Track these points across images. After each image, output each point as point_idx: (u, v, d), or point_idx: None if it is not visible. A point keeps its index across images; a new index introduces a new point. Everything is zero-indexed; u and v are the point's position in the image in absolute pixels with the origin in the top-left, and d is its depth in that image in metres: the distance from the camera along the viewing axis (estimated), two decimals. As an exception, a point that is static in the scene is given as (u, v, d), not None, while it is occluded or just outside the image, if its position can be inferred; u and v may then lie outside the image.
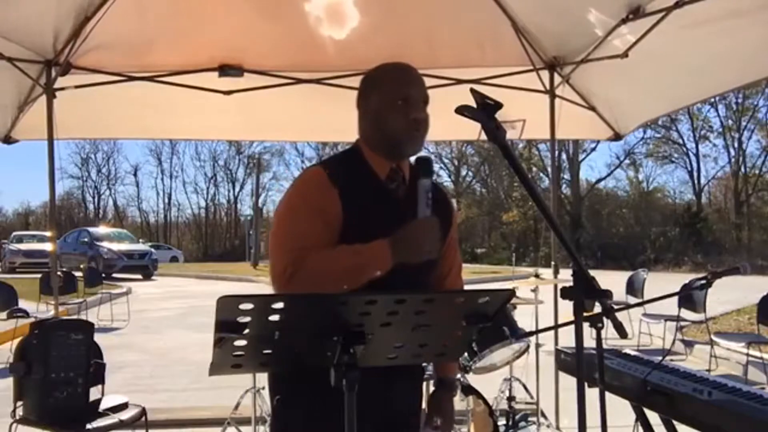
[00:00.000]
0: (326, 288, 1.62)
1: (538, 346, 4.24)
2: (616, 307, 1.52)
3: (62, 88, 4.13)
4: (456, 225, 1.99)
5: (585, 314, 1.43)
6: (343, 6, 4.02)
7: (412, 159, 1.78)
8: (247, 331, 1.27)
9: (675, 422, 2.30)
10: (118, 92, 4.38)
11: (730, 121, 31.20)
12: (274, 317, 1.27)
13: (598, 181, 35.23)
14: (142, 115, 4.89)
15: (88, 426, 3.25)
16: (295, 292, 1.64)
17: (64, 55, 4.00)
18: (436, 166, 39.12)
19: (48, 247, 16.34)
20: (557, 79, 4.42)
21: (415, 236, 1.61)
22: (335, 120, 5.01)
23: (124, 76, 4.25)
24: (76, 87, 4.16)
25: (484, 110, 1.37)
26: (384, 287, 1.58)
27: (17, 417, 3.33)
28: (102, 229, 25.97)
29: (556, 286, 4.17)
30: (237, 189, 44.06)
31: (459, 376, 3.44)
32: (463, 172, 40.01)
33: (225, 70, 4.31)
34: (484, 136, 1.41)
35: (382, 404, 1.71)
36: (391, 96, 1.75)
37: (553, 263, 4.59)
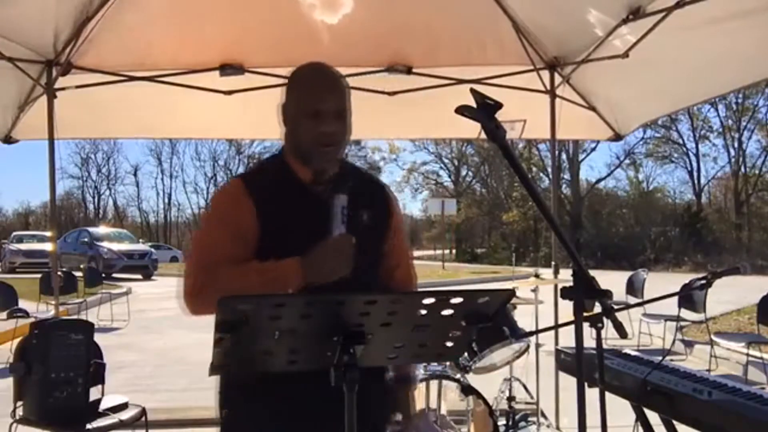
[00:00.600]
0: None
1: (538, 346, 4.24)
2: (616, 307, 1.52)
3: (63, 88, 4.13)
4: (399, 216, 1.93)
5: (585, 314, 1.43)
6: (344, 5, 4.02)
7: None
8: (247, 331, 1.27)
9: (675, 422, 2.30)
10: (119, 91, 4.38)
11: (730, 121, 31.22)
12: (274, 317, 1.27)
13: (598, 181, 35.27)
14: (142, 114, 4.88)
15: (88, 426, 3.25)
16: (200, 308, 1.65)
17: (65, 55, 4.00)
18: (436, 166, 39.30)
19: (48, 247, 16.34)
20: (558, 79, 4.42)
21: (326, 257, 1.57)
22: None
23: (125, 76, 4.25)
24: (77, 87, 4.16)
25: (484, 110, 1.37)
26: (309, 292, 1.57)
27: (17, 417, 3.33)
28: (102, 229, 25.96)
29: (556, 286, 4.17)
30: (237, 189, 43.90)
31: (459, 376, 3.44)
32: (463, 172, 40.04)
33: (225, 69, 4.31)
34: (484, 135, 1.41)
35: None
36: (303, 107, 1.71)
37: (553, 263, 4.58)
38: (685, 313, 6.80)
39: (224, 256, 1.66)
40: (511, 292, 1.47)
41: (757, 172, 31.04)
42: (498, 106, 1.37)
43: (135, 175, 45.10)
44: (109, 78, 4.23)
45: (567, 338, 2.17)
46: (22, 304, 8.09)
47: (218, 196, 1.82)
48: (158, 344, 8.85)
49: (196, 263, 1.69)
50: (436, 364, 3.43)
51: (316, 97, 1.71)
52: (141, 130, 5.47)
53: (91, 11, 3.74)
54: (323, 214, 1.61)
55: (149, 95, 4.49)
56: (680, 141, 33.18)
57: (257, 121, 5.21)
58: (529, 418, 4.23)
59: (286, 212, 1.69)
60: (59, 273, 5.55)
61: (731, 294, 10.09)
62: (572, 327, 1.43)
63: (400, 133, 5.81)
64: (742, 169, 31.62)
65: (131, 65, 4.23)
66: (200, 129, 5.47)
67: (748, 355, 5.92)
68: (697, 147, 32.59)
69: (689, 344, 7.55)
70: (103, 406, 3.52)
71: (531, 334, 3.31)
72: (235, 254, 1.66)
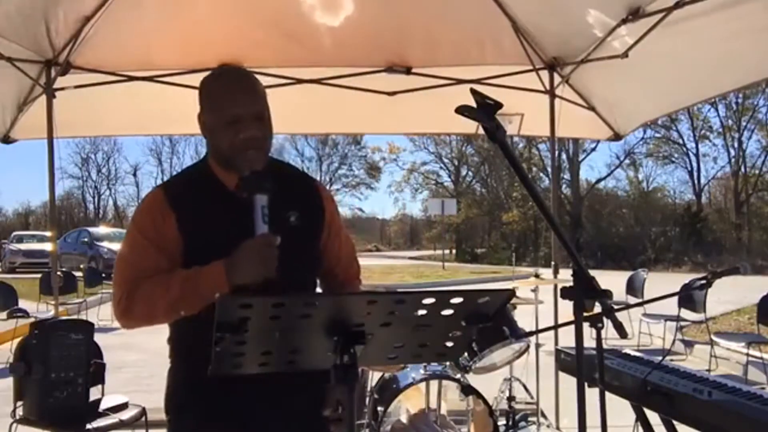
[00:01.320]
0: (159, 317, 1.65)
1: (538, 346, 4.24)
2: (616, 307, 1.52)
3: (62, 88, 4.13)
4: (334, 213, 1.88)
5: (585, 314, 1.43)
6: (344, 5, 4.02)
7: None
8: (247, 331, 1.26)
9: (675, 422, 2.31)
10: (118, 89, 4.38)
11: (730, 121, 31.19)
12: (274, 317, 1.27)
13: (598, 181, 35.24)
14: (141, 110, 4.88)
15: (88, 426, 3.25)
16: (130, 322, 1.67)
17: (64, 55, 4.00)
18: (436, 166, 39.28)
19: (48, 247, 16.32)
20: (557, 79, 4.42)
21: (247, 258, 1.54)
22: (334, 112, 5.02)
23: (124, 76, 4.25)
24: (76, 87, 4.16)
25: (484, 110, 1.37)
26: None
27: (17, 417, 3.33)
28: (102, 229, 25.92)
29: (556, 286, 4.17)
30: (237, 189, 43.95)
31: (459, 376, 3.44)
32: (463, 172, 40.01)
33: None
34: (482, 131, 1.41)
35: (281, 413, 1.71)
36: (219, 116, 1.67)
37: (553, 263, 4.59)
38: (685, 313, 6.80)
39: (147, 270, 1.65)
40: (511, 292, 1.46)
41: (757, 172, 31.01)
42: (498, 106, 1.37)
43: (135, 175, 45.06)
44: (108, 78, 4.23)
45: (567, 338, 2.17)
46: (22, 304, 8.10)
47: (139, 212, 1.77)
48: (158, 344, 8.77)
49: (120, 279, 1.68)
50: (436, 364, 3.43)
51: (231, 103, 1.66)
52: (140, 127, 5.47)
53: (90, 11, 3.75)
54: (248, 220, 1.57)
55: (148, 92, 4.49)
56: (680, 141, 33.17)
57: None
58: (529, 418, 4.23)
59: (209, 220, 1.66)
60: (59, 273, 5.55)
61: (731, 294, 10.08)
62: (572, 327, 1.43)
63: (399, 128, 5.78)
64: (742, 169, 31.60)
65: (130, 65, 4.23)
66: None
67: (748, 355, 5.92)
68: (697, 147, 32.58)
69: (689, 344, 7.55)
70: (103, 406, 3.52)
71: (531, 334, 3.31)
72: (158, 267, 1.65)
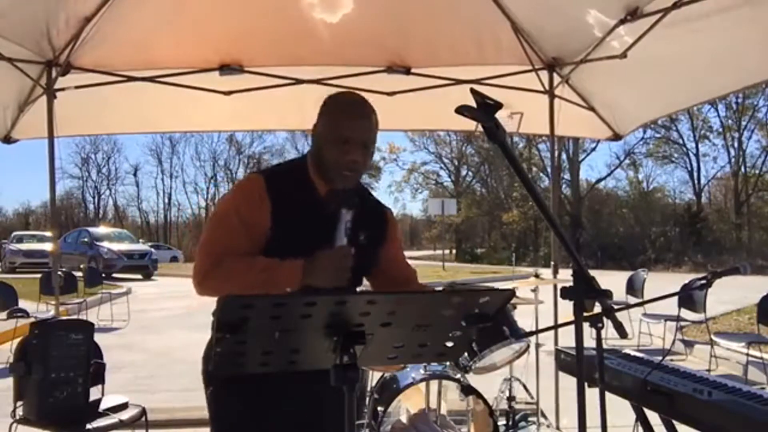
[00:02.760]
0: (235, 290, 1.68)
1: (538, 346, 4.24)
2: (616, 307, 1.53)
3: (62, 89, 4.13)
4: (397, 239, 2.09)
5: (585, 314, 1.43)
6: (344, 5, 4.02)
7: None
8: (247, 331, 1.27)
9: (675, 422, 2.31)
10: (118, 88, 4.38)
11: (730, 121, 31.23)
12: (275, 317, 1.27)
13: (598, 181, 35.29)
14: (142, 109, 4.88)
15: (88, 426, 3.25)
16: (207, 290, 1.75)
17: (64, 56, 4.00)
18: (436, 166, 39.31)
19: (48, 247, 16.31)
20: (556, 79, 4.42)
21: (326, 264, 1.67)
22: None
23: (124, 76, 4.25)
24: (77, 87, 4.16)
25: (484, 110, 1.37)
26: None
27: (17, 417, 3.33)
28: (102, 229, 25.94)
29: (556, 286, 4.17)
30: (237, 189, 43.97)
31: (459, 376, 3.44)
32: (463, 172, 40.05)
33: (225, 69, 4.31)
34: (480, 128, 1.41)
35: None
36: (334, 131, 1.81)
37: (553, 263, 4.59)
38: (685, 313, 6.80)
39: (234, 248, 1.75)
40: (511, 292, 1.47)
41: (757, 172, 31.05)
42: (498, 105, 1.37)
43: (135, 175, 45.16)
44: (108, 78, 4.23)
45: (567, 338, 2.17)
46: (22, 304, 8.09)
47: (239, 187, 1.90)
48: (158, 344, 8.84)
49: (207, 249, 1.79)
50: (436, 364, 3.43)
51: (349, 127, 1.80)
52: (141, 125, 5.47)
53: (90, 11, 3.75)
54: (330, 228, 1.70)
55: (149, 91, 4.49)
56: (680, 141, 33.22)
57: (256, 112, 5.20)
58: (529, 418, 4.23)
59: (299, 218, 1.78)
60: (59, 273, 5.55)
61: (731, 294, 10.09)
62: (572, 327, 1.43)
63: (398, 125, 5.82)
64: (742, 169, 31.63)
65: (130, 65, 4.23)
66: (199, 121, 5.46)
67: (748, 355, 5.91)
68: (697, 147, 32.63)
69: (689, 344, 7.55)
70: (103, 406, 3.52)
71: (531, 334, 3.30)
72: (244, 246, 1.76)
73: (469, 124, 4.15)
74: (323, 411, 1.79)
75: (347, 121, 1.81)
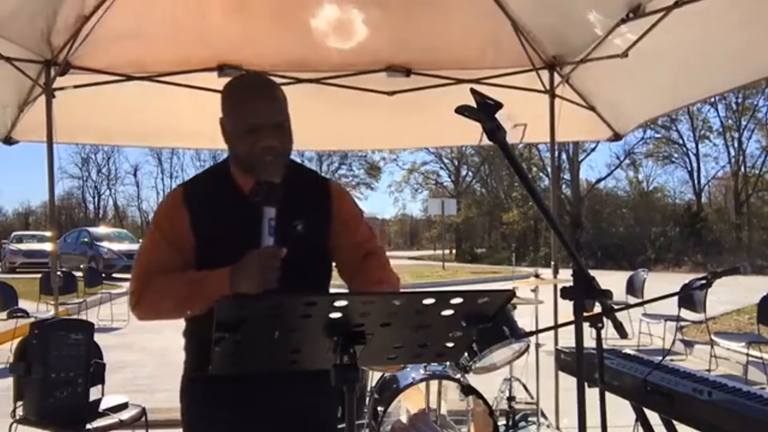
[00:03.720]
0: (167, 313, 1.71)
1: (538, 346, 4.24)
2: (616, 307, 1.52)
3: (61, 88, 4.13)
4: (343, 208, 1.87)
5: (585, 314, 1.42)
6: (343, 7, 4.02)
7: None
8: (247, 331, 1.26)
9: (675, 422, 2.30)
10: (118, 97, 4.39)
11: (730, 121, 31.19)
12: (274, 317, 1.27)
13: (598, 181, 35.24)
14: (142, 123, 4.91)
15: (88, 426, 3.25)
16: (142, 315, 1.73)
17: (63, 55, 4.00)
18: (436, 166, 39.27)
19: (48, 247, 16.27)
20: (557, 78, 4.42)
21: (250, 268, 1.56)
22: (333, 128, 5.03)
23: (123, 75, 4.25)
24: (75, 87, 4.16)
25: (485, 110, 1.37)
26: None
27: (17, 417, 3.33)
28: (102, 229, 25.91)
29: (556, 286, 4.17)
30: (237, 189, 44.03)
31: (459, 376, 3.44)
32: (463, 172, 39.99)
33: (224, 69, 4.30)
34: (484, 140, 1.41)
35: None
36: (238, 124, 1.69)
37: (553, 263, 4.58)
38: (685, 313, 6.80)
39: (162, 265, 1.71)
40: (511, 293, 1.46)
41: (757, 172, 31.01)
42: (498, 105, 1.37)
43: (135, 175, 45.06)
44: (107, 78, 4.22)
45: (567, 338, 2.17)
46: (22, 304, 8.09)
47: (159, 209, 1.84)
48: (158, 344, 8.83)
49: (136, 272, 1.76)
50: (436, 364, 3.43)
51: (251, 113, 1.68)
52: (140, 137, 5.48)
53: (88, 11, 3.75)
54: (258, 226, 1.58)
55: (148, 100, 4.50)
56: (680, 141, 33.18)
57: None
58: (529, 418, 4.23)
59: (222, 222, 1.70)
60: (59, 273, 5.55)
61: (731, 294, 10.09)
62: (572, 327, 1.43)
63: (400, 143, 5.77)
64: (742, 169, 31.60)
65: (130, 65, 4.23)
66: (200, 138, 5.48)
67: (748, 355, 5.91)
68: (697, 147, 32.58)
69: (689, 344, 7.55)
70: (103, 406, 3.52)
71: (531, 334, 3.31)
72: (173, 263, 1.71)
73: (472, 137, 4.17)
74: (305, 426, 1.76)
75: (250, 106, 1.68)
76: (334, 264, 1.90)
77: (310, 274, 1.73)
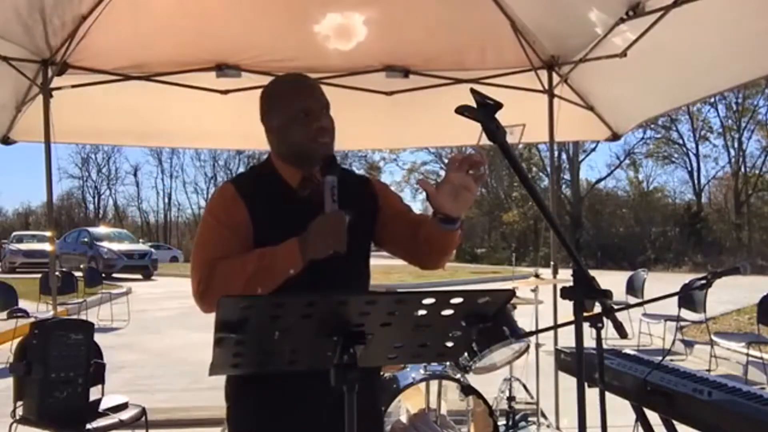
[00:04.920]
0: (237, 291, 1.66)
1: (538, 346, 4.24)
2: (616, 307, 1.52)
3: (59, 88, 4.12)
4: (390, 195, 1.97)
5: (585, 314, 1.42)
6: (342, 8, 4.02)
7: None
8: (247, 331, 1.26)
9: (675, 422, 2.30)
10: (116, 96, 4.38)
11: (730, 121, 31.22)
12: (274, 317, 1.26)
13: (598, 181, 35.27)
14: (141, 123, 4.92)
15: (88, 426, 3.25)
16: (210, 303, 1.68)
17: (61, 55, 4.00)
18: (436, 166, 39.27)
19: (48, 247, 16.22)
20: (555, 78, 4.42)
21: (320, 231, 1.63)
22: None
23: (121, 75, 4.25)
24: (73, 86, 4.16)
25: (484, 110, 1.37)
26: (308, 283, 1.61)
27: (17, 417, 3.33)
28: (102, 229, 25.94)
29: (556, 286, 4.17)
30: (237, 189, 44.07)
31: (459, 376, 3.44)
32: (463, 172, 39.95)
33: (222, 69, 4.30)
34: (484, 140, 1.41)
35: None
36: (291, 111, 1.78)
37: (552, 263, 4.58)
38: (685, 313, 6.80)
39: (224, 252, 1.72)
40: (511, 292, 1.46)
41: (757, 172, 31.03)
42: (498, 106, 1.37)
43: (135, 175, 45.17)
44: (105, 77, 4.22)
45: (567, 338, 2.17)
46: (22, 304, 8.09)
47: (213, 202, 1.87)
48: (158, 344, 8.84)
49: (196, 263, 1.75)
50: (436, 364, 3.43)
51: (303, 98, 1.79)
52: (139, 137, 5.49)
53: (86, 10, 3.74)
54: (309, 216, 1.65)
55: (147, 100, 4.50)
56: (680, 141, 33.20)
57: (256, 128, 5.21)
58: (529, 418, 4.23)
59: (274, 215, 1.76)
60: (57, 273, 5.55)
61: (731, 294, 10.10)
62: (572, 327, 1.42)
63: (400, 143, 5.78)
64: (742, 169, 31.62)
65: (128, 64, 4.23)
66: (199, 137, 5.48)
67: (748, 355, 5.92)
68: (697, 147, 32.61)
69: (689, 344, 7.55)
70: (103, 406, 3.52)
71: (531, 334, 3.31)
72: (232, 248, 1.73)
73: (471, 137, 4.17)
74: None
75: (300, 95, 1.80)
76: (395, 250, 1.96)
77: (354, 267, 1.80)
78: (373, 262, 1.97)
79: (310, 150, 1.76)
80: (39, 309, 8.85)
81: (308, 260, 1.64)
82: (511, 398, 4.05)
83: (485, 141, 1.40)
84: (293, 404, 1.74)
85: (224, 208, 1.79)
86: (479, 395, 3.41)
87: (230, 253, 1.72)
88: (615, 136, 4.93)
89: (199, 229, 1.86)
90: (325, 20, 4.09)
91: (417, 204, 49.73)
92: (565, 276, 2.11)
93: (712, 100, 26.89)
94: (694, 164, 32.83)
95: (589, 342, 1.46)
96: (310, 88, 1.83)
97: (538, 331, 3.23)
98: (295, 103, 1.78)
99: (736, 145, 31.40)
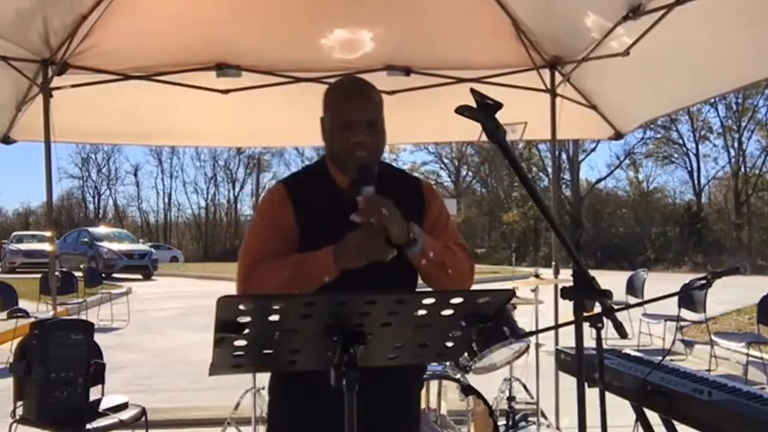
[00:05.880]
0: (274, 290, 1.71)
1: (538, 346, 4.24)
2: (616, 307, 1.52)
3: (59, 87, 4.12)
4: (438, 210, 1.94)
5: (585, 314, 1.42)
6: (342, 7, 4.02)
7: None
8: (247, 331, 1.26)
9: (675, 422, 2.30)
10: (116, 97, 4.38)
11: (730, 121, 31.22)
12: (274, 317, 1.26)
13: (598, 181, 35.28)
14: (141, 123, 4.91)
15: (88, 426, 3.24)
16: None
17: (61, 55, 3.99)
18: (436, 166, 39.30)
19: (48, 247, 16.23)
20: (558, 77, 4.41)
21: (356, 241, 1.65)
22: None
23: (121, 75, 4.25)
24: (73, 86, 4.15)
25: (484, 110, 1.36)
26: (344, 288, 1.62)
27: (17, 417, 3.33)
28: (102, 229, 25.94)
29: (556, 286, 4.17)
30: (237, 189, 44.16)
31: (459, 376, 3.44)
32: (463, 172, 40.03)
33: (222, 68, 4.30)
34: (484, 137, 1.41)
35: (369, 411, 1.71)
36: (334, 119, 1.82)
37: (553, 263, 4.58)
38: (685, 313, 6.80)
39: (268, 252, 1.78)
40: (512, 292, 1.46)
41: (757, 172, 31.04)
42: (498, 106, 1.37)
43: (135, 175, 45.13)
44: (105, 77, 4.22)
45: (567, 338, 2.17)
46: (22, 304, 8.09)
47: (262, 203, 1.94)
48: (158, 344, 8.84)
49: (243, 262, 1.81)
50: (436, 364, 3.42)
51: (346, 110, 1.81)
52: (139, 136, 5.49)
53: (86, 10, 3.74)
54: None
55: (146, 100, 4.50)
56: (680, 141, 33.21)
57: (256, 127, 5.20)
58: (529, 418, 4.22)
59: (323, 215, 1.79)
60: (57, 273, 5.55)
61: (731, 294, 10.10)
62: (572, 327, 1.43)
63: (401, 138, 5.77)
64: (742, 169, 31.62)
65: (128, 64, 4.23)
66: (199, 135, 5.47)
67: (748, 355, 5.91)
68: (697, 147, 32.61)
69: (689, 344, 7.55)
70: (103, 406, 3.52)
71: (531, 334, 3.31)
72: (277, 251, 1.78)
73: (472, 134, 4.17)
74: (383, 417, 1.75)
75: (346, 105, 1.82)
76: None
77: (400, 272, 1.78)
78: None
79: (346, 160, 1.80)
80: (39, 309, 8.85)
81: (341, 269, 1.66)
82: (511, 398, 4.04)
83: (485, 138, 1.40)
84: (320, 398, 1.69)
85: (271, 209, 1.85)
86: (479, 395, 3.41)
87: (274, 254, 1.77)
88: (618, 135, 4.93)
89: (248, 226, 1.94)
90: (326, 20, 4.08)
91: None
92: (566, 276, 2.11)
93: (712, 100, 26.87)
94: (694, 164, 32.86)
95: (589, 342, 1.46)
96: (358, 99, 1.83)
97: (538, 331, 3.23)
98: (338, 113, 1.82)
99: (736, 145, 31.42)
